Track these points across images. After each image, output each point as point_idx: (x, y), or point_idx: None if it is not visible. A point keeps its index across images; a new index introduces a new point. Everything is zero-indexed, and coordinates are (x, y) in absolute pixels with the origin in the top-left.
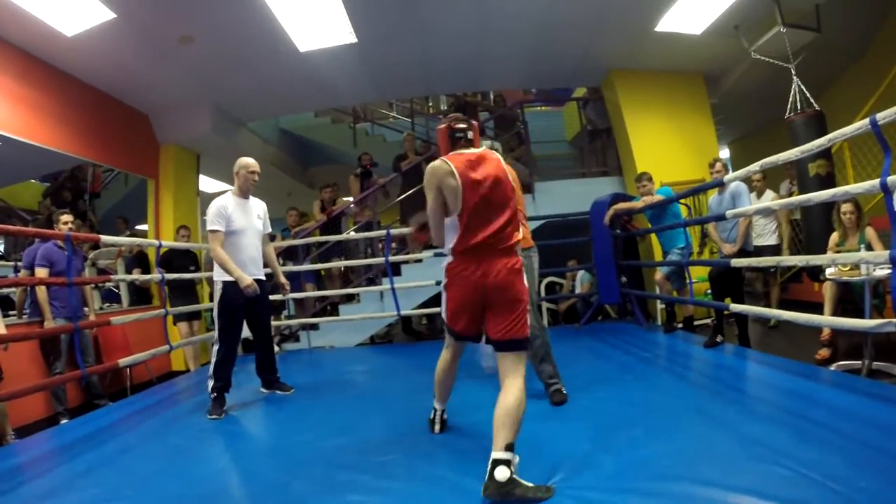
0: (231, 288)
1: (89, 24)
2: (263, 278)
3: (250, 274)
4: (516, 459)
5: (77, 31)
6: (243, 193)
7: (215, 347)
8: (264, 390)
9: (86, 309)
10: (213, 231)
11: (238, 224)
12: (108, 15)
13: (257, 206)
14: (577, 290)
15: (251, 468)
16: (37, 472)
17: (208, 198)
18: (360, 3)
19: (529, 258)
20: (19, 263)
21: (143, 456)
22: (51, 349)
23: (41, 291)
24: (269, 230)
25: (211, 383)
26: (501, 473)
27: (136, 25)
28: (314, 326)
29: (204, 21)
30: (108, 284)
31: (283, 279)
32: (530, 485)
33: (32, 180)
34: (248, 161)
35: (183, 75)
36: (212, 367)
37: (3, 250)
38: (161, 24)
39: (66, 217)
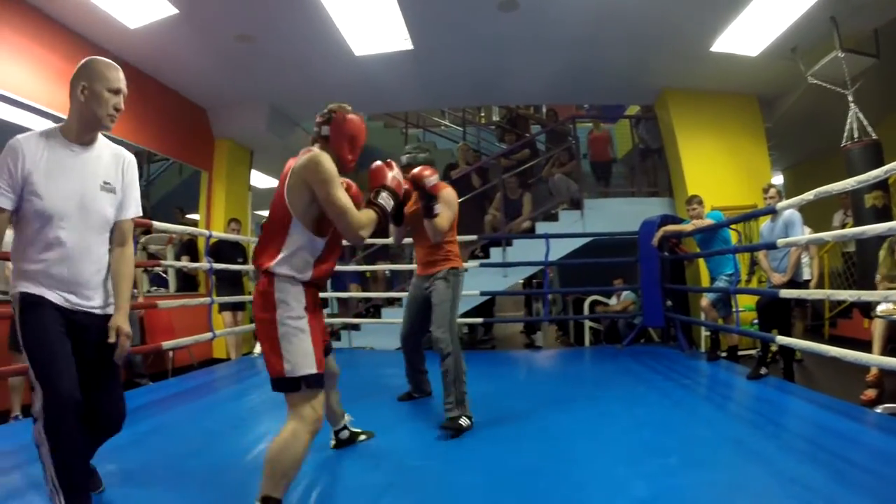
0: (33, 306)
1: (152, 17)
2: (100, 312)
3: (69, 303)
4: None
5: (139, 24)
6: (87, 129)
7: (37, 404)
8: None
9: (134, 290)
10: None
11: (51, 198)
12: (171, 10)
13: (105, 160)
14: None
15: None
16: None
17: (259, 192)
18: (417, 10)
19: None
20: None
21: (176, 437)
22: None
23: None
24: (138, 213)
25: (55, 482)
26: None
27: (196, 22)
28: (356, 327)
29: (263, 21)
30: (156, 269)
31: (124, 324)
32: None
33: None
34: (104, 65)
35: (240, 73)
36: (44, 443)
37: None
38: (221, 22)
39: None
